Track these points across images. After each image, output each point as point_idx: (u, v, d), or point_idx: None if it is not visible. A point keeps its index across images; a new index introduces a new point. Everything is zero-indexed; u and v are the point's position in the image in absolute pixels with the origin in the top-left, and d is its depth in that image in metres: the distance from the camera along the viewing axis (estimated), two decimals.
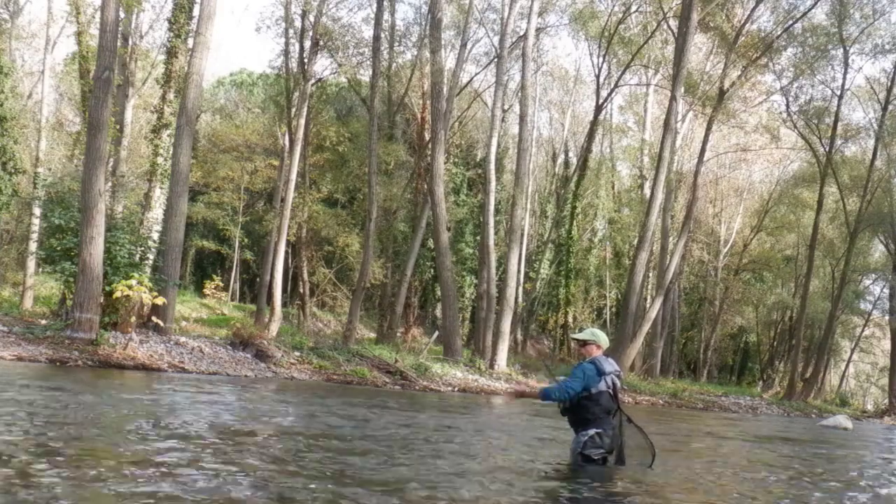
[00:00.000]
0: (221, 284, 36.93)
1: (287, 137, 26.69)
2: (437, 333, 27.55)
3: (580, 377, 6.09)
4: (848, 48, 32.61)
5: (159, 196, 21.15)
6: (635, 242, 30.49)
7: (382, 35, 27.08)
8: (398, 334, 29.30)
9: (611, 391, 6.18)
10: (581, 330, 6.87)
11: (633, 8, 32.67)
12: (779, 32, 31.53)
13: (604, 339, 6.35)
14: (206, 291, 34.50)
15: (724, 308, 42.33)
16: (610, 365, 6.21)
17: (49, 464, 4.67)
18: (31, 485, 4.07)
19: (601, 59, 33.96)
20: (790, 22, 31.41)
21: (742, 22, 30.44)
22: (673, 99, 25.86)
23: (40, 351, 13.77)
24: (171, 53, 21.30)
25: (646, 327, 27.77)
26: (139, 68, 25.05)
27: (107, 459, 5.00)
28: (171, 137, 20.27)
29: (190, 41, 20.32)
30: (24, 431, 5.91)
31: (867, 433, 19.31)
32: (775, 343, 49.17)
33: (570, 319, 40.06)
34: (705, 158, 31.58)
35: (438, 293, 32.75)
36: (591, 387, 6.09)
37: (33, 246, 23.51)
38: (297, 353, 18.41)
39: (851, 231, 34.38)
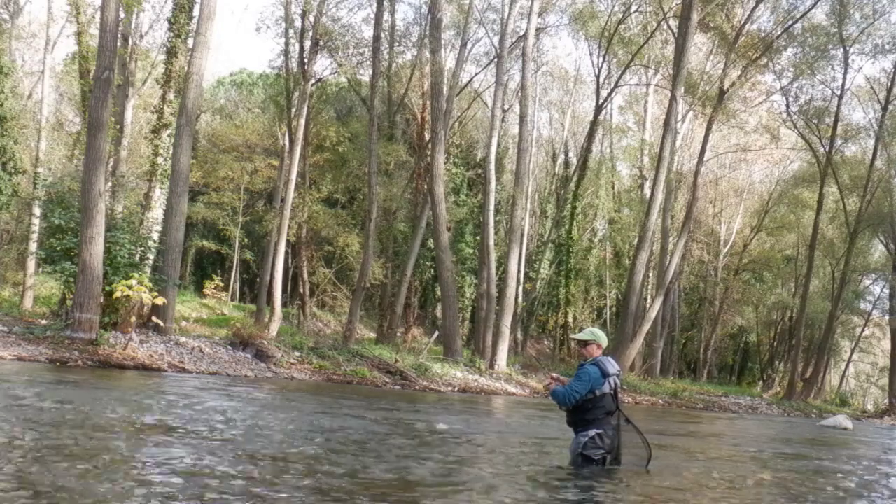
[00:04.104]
0: (221, 284, 36.92)
1: (287, 137, 26.67)
2: (437, 333, 27.53)
3: (586, 381, 6.11)
4: (848, 48, 32.58)
5: (159, 196, 21.15)
6: (635, 242, 30.47)
7: (382, 35, 27.05)
8: (398, 334, 29.28)
9: (612, 392, 6.21)
10: (581, 330, 6.89)
11: (633, 8, 32.64)
12: (779, 32, 31.51)
13: (603, 339, 6.39)
14: (206, 291, 34.48)
15: (724, 308, 42.29)
16: (612, 366, 6.23)
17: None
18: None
19: (601, 59, 33.95)
20: (790, 22, 31.39)
21: (742, 22, 30.42)
22: (673, 99, 25.86)
23: (40, 351, 13.77)
24: (171, 53, 21.31)
25: (646, 327, 27.75)
26: (139, 68, 25.04)
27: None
28: (171, 137, 20.28)
29: (190, 41, 20.33)
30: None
31: (867, 433, 19.30)
32: (775, 343, 49.14)
33: (570, 319, 40.01)
34: (705, 158, 31.56)
35: (438, 293, 32.74)
36: (595, 389, 6.12)
37: (33, 246, 23.50)
38: (297, 353, 18.40)
39: (851, 231, 34.36)
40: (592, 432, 6.17)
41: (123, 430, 6.61)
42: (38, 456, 4.98)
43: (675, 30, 27.73)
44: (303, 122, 26.02)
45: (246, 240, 37.35)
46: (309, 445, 6.72)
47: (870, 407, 46.32)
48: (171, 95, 21.25)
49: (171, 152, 19.84)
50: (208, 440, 6.43)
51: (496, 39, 29.82)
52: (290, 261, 34.37)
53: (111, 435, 6.28)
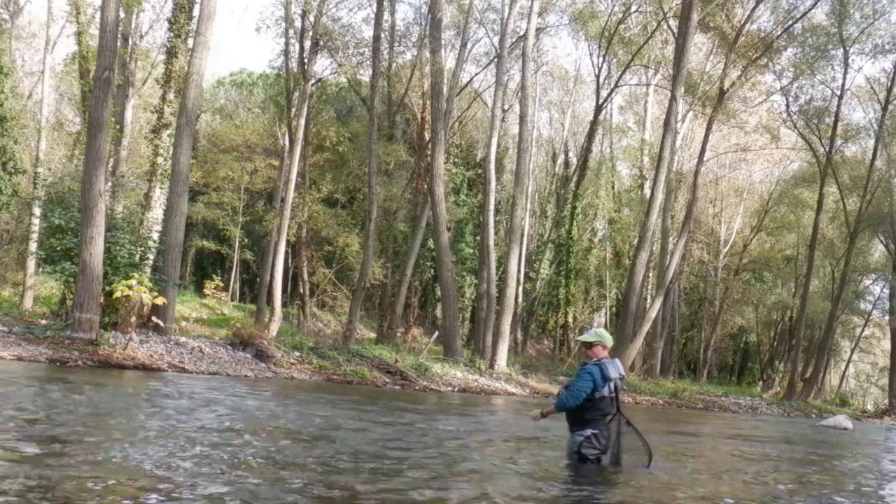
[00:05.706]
0: (221, 284, 36.91)
1: (287, 137, 26.67)
2: (437, 333, 27.54)
3: (588, 379, 6.11)
4: (848, 48, 32.60)
5: (159, 196, 21.15)
6: (635, 242, 30.48)
7: (382, 35, 27.04)
8: (398, 334, 29.28)
9: (612, 395, 6.23)
10: (583, 330, 6.88)
11: (633, 8, 32.65)
12: (779, 32, 31.52)
13: (608, 340, 6.39)
14: (206, 291, 34.47)
15: (724, 308, 42.32)
16: (615, 369, 6.22)
17: None
18: None
19: (601, 59, 33.96)
20: (790, 22, 31.40)
21: (742, 22, 30.43)
22: (673, 99, 25.86)
23: (40, 351, 13.76)
24: (171, 53, 21.31)
25: (646, 327, 27.76)
26: (139, 68, 25.04)
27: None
28: (171, 137, 20.28)
29: (190, 41, 20.33)
30: None
31: (867, 433, 19.30)
32: (775, 343, 49.16)
33: (570, 319, 40.03)
34: (705, 158, 31.57)
35: (438, 293, 32.73)
36: (596, 390, 6.13)
37: (33, 246, 23.50)
38: (297, 353, 18.40)
39: (851, 231, 34.38)
40: (588, 432, 6.21)
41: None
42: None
43: (675, 30, 27.73)
44: (303, 122, 26.02)
45: (246, 240, 37.35)
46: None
47: (870, 407, 46.35)
48: (171, 95, 21.24)
49: (171, 152, 19.84)
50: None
51: (496, 39, 29.82)
52: (290, 261, 34.37)
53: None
